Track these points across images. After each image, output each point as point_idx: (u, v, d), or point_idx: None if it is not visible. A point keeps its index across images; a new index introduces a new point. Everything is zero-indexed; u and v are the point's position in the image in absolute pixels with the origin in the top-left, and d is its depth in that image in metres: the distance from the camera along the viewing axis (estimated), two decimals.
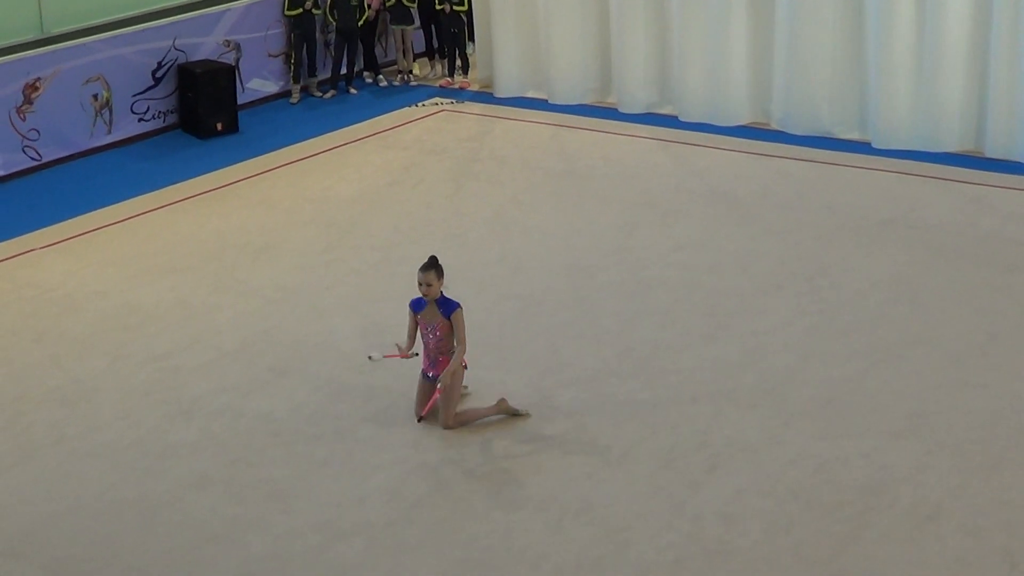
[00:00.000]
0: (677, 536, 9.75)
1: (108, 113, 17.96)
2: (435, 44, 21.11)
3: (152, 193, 16.47)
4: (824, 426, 11.08)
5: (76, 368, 12.39)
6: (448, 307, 11.07)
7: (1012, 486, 10.21)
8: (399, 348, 11.27)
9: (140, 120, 18.32)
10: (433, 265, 11.09)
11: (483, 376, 11.76)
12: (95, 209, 16.01)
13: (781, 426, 11.09)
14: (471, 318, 12.91)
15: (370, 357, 11.50)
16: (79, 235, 15.30)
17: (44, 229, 15.46)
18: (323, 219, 15.58)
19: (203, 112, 18.38)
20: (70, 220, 15.70)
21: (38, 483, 10.64)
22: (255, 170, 17.18)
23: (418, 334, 11.22)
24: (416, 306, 11.19)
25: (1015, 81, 16.63)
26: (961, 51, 16.88)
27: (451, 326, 11.04)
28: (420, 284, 11.05)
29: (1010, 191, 15.80)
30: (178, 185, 16.74)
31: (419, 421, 11.16)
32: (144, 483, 10.59)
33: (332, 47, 20.36)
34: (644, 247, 14.56)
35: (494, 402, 11.25)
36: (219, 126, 18.49)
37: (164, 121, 18.60)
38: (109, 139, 17.99)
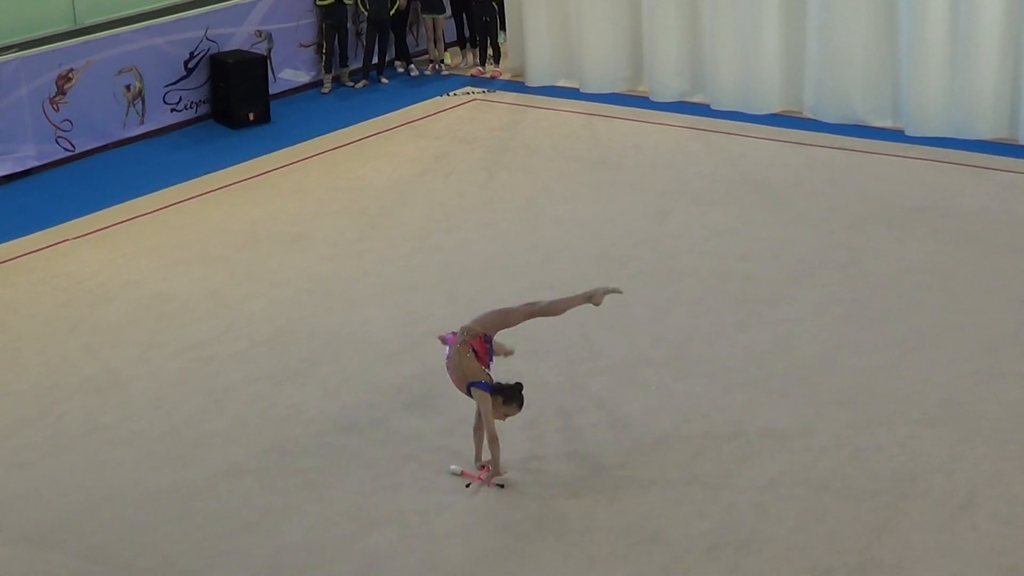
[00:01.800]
0: (710, 525, 9.75)
1: (140, 103, 18.02)
2: (466, 33, 21.09)
3: (184, 183, 16.52)
4: (857, 414, 11.06)
5: (110, 358, 12.45)
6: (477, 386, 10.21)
7: None
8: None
9: (172, 110, 18.38)
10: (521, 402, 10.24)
11: (516, 365, 11.76)
12: (128, 199, 16.06)
13: (813, 415, 11.08)
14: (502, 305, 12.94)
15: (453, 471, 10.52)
16: (112, 225, 15.36)
17: (77, 219, 15.52)
18: (355, 208, 15.61)
19: (235, 102, 18.42)
20: (103, 210, 15.76)
21: (72, 472, 10.70)
22: (287, 160, 17.22)
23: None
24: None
25: None
26: (994, 38, 16.80)
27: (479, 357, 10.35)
28: (506, 416, 10.22)
29: None
30: (210, 175, 16.78)
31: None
32: (178, 472, 10.64)
33: (363, 36, 20.38)
34: (676, 235, 14.55)
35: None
36: (251, 116, 18.53)
37: (196, 111, 18.65)
38: (142, 129, 18.04)
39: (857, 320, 12.60)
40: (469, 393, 10.20)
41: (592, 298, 10.74)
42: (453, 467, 10.40)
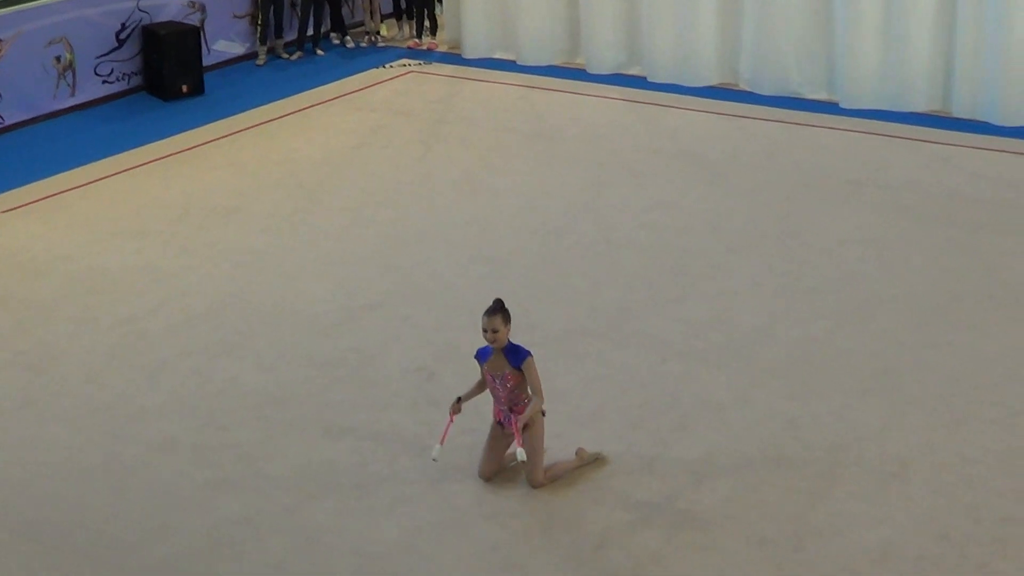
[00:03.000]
0: (646, 495, 9.83)
1: (71, 75, 17.92)
2: (403, 5, 21.06)
3: (117, 156, 16.45)
4: (792, 385, 11.18)
5: (42, 332, 12.41)
6: (518, 356, 9.75)
7: (976, 443, 10.33)
8: (451, 411, 9.96)
9: (104, 82, 18.29)
10: (499, 309, 9.74)
11: (453, 339, 11.83)
12: (59, 172, 15.97)
13: (750, 385, 11.19)
14: (439, 280, 13.00)
15: (434, 459, 9.87)
16: (43, 198, 15.28)
17: (7, 192, 15.42)
18: (291, 181, 15.60)
19: (168, 74, 18.35)
20: (34, 183, 15.67)
21: (5, 448, 10.66)
22: (221, 132, 17.18)
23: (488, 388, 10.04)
24: (482, 356, 9.91)
25: (982, 41, 16.72)
26: (928, 11, 16.96)
27: (523, 376, 9.78)
28: (485, 331, 9.72)
29: (977, 150, 15.91)
30: (143, 148, 16.72)
31: (486, 481, 10.00)
32: (113, 447, 10.63)
33: (299, 8, 20.33)
34: (613, 208, 14.63)
35: (573, 454, 10.23)
36: (184, 88, 18.46)
37: (128, 83, 18.56)
38: (73, 101, 17.95)
39: (793, 291, 12.73)
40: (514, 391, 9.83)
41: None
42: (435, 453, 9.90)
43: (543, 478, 9.89)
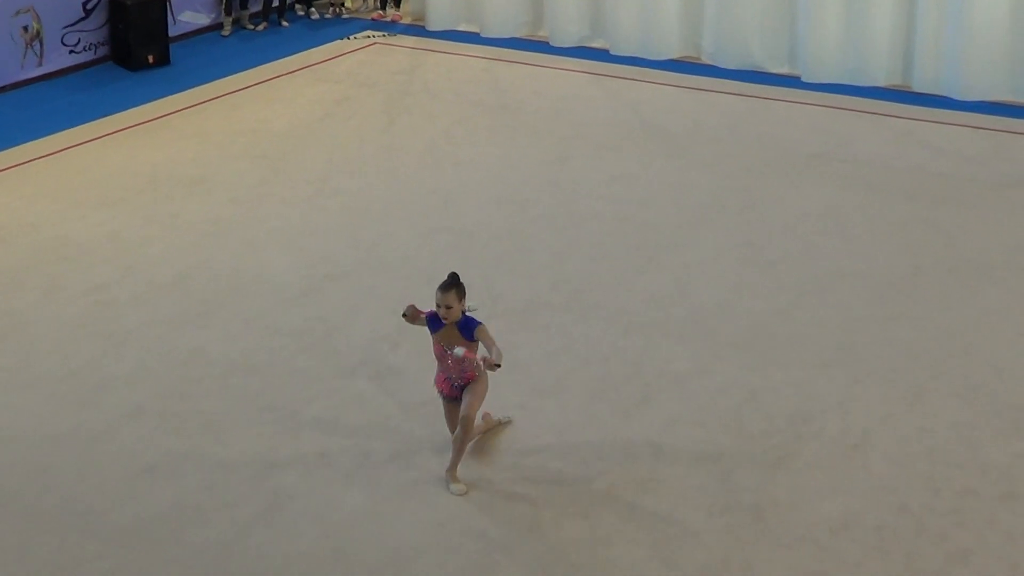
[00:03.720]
0: (608, 465, 9.84)
1: (39, 45, 17.80)
2: None
3: (84, 125, 16.36)
4: (753, 357, 11.20)
5: (9, 301, 12.34)
6: (469, 327, 9.52)
7: (934, 414, 10.38)
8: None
9: (71, 52, 18.18)
10: (454, 284, 9.51)
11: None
12: (26, 142, 15.88)
13: (711, 357, 11.21)
14: (403, 252, 12.98)
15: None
16: (9, 168, 15.18)
17: None
18: (256, 152, 15.54)
19: (134, 44, 18.26)
20: (1, 152, 15.57)
21: None
22: (187, 103, 17.09)
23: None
24: (432, 325, 9.65)
25: (943, 15, 16.76)
26: None
27: (476, 344, 9.55)
28: (439, 306, 9.49)
29: (938, 125, 15.95)
30: (110, 118, 16.63)
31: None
32: (79, 415, 10.59)
33: None
34: (576, 180, 14.61)
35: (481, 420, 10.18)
36: (151, 59, 18.37)
37: (95, 53, 18.46)
38: (40, 71, 17.84)
39: (754, 264, 12.74)
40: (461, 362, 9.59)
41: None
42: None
43: (472, 417, 9.57)
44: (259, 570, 8.94)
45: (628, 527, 9.22)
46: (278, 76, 18.03)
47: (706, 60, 18.34)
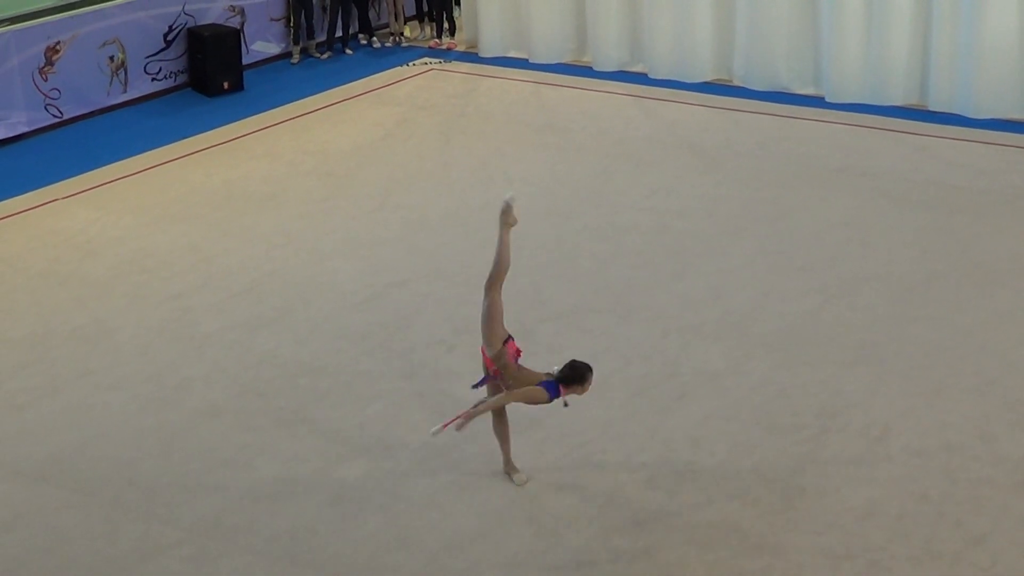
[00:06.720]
0: (649, 457, 9.80)
1: (123, 73, 17.86)
2: (425, 8, 20.97)
3: (165, 147, 16.39)
4: (783, 356, 11.12)
5: (98, 308, 12.38)
6: (548, 388, 9.11)
7: (953, 410, 10.27)
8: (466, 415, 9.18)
9: (153, 80, 18.23)
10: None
11: (471, 314, 11.75)
12: (113, 162, 15.92)
13: (744, 356, 11.13)
14: (459, 260, 12.96)
15: (432, 434, 9.19)
16: (98, 186, 15.24)
17: (66, 180, 15.37)
18: (323, 170, 15.54)
19: (211, 72, 18.29)
20: (90, 172, 15.62)
21: (65, 413, 10.66)
22: (259, 125, 17.11)
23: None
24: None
25: (956, 40, 16.61)
26: (906, 12, 16.84)
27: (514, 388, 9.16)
28: (573, 388, 9.15)
29: (952, 141, 15.80)
30: (188, 140, 16.66)
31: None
32: (161, 413, 10.61)
33: (328, 11, 20.25)
34: (618, 194, 14.55)
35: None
36: (226, 85, 18.40)
37: (175, 81, 18.50)
38: (125, 97, 17.89)
39: (783, 270, 12.65)
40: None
41: (508, 221, 9.78)
42: (433, 429, 9.31)
43: (493, 406, 9.26)
44: (327, 556, 8.93)
45: (667, 514, 9.17)
46: (343, 100, 18.02)
47: (737, 82, 18.22)
